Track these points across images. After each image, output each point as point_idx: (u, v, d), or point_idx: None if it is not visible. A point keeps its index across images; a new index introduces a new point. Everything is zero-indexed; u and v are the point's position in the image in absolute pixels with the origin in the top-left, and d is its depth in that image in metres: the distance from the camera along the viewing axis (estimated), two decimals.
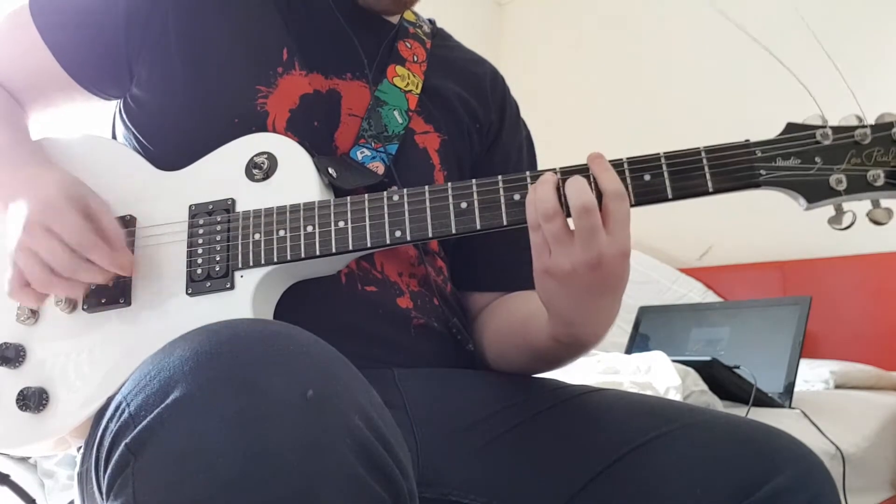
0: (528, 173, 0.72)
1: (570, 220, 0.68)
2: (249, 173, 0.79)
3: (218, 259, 0.76)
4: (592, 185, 0.69)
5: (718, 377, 1.60)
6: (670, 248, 3.05)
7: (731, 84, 2.91)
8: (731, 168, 0.69)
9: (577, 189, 0.67)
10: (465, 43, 1.06)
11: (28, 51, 0.86)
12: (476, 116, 0.97)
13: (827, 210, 0.70)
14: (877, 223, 0.68)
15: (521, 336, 0.84)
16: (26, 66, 0.88)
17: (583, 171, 0.71)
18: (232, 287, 0.75)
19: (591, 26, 3.48)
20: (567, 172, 0.71)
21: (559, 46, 3.57)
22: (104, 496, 0.51)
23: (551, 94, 3.33)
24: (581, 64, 3.46)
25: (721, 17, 2.98)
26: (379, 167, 0.85)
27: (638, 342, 2.33)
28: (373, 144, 0.85)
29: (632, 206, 0.70)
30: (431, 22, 1.03)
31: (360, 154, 0.85)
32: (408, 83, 0.91)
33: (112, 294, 0.77)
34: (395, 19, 0.95)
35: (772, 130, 0.71)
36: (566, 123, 3.22)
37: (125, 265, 0.75)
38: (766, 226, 2.68)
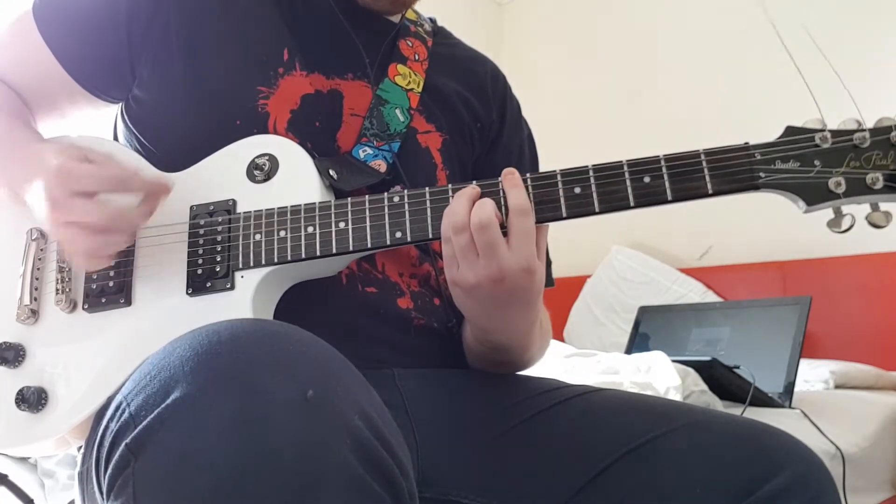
0: (528, 175, 0.72)
1: None
2: (250, 174, 0.79)
3: (218, 259, 0.76)
4: (502, 200, 0.71)
5: (718, 377, 1.61)
6: (670, 248, 3.05)
7: (731, 86, 2.91)
8: (731, 171, 0.69)
9: (478, 206, 0.69)
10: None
11: (32, 56, 0.86)
12: (477, 115, 0.97)
13: (826, 212, 0.70)
14: (875, 226, 0.68)
15: (466, 339, 0.86)
16: (31, 72, 0.87)
17: (583, 172, 0.71)
18: (232, 287, 0.75)
19: (590, 26, 3.48)
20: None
21: (559, 46, 3.57)
22: (104, 496, 0.51)
23: (551, 95, 3.34)
24: (581, 64, 3.46)
25: (720, 18, 2.98)
26: (381, 165, 0.85)
27: (638, 342, 2.33)
28: (375, 143, 0.86)
29: (631, 207, 0.70)
30: (432, 20, 1.03)
31: (363, 153, 0.85)
32: (409, 81, 0.91)
33: (112, 294, 0.77)
34: (395, 18, 0.95)
35: (771, 134, 0.71)
36: (566, 124, 3.22)
37: (163, 182, 0.75)
38: (766, 226, 2.68)
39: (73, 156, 0.73)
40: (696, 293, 2.79)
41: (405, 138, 0.88)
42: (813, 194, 0.68)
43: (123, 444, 0.49)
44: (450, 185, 0.73)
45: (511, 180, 0.71)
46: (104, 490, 0.51)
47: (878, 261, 2.51)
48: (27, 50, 0.86)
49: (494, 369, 0.87)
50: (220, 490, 0.45)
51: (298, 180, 0.78)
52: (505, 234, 0.70)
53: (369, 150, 0.85)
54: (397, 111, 0.88)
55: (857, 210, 0.69)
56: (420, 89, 0.92)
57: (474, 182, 0.73)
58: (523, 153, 1.02)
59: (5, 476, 1.38)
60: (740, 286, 2.79)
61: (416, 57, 0.94)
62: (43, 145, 0.78)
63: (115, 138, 0.92)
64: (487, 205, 0.69)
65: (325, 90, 0.86)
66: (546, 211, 0.71)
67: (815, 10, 2.67)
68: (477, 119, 0.97)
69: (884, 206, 0.69)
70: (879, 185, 0.67)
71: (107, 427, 0.52)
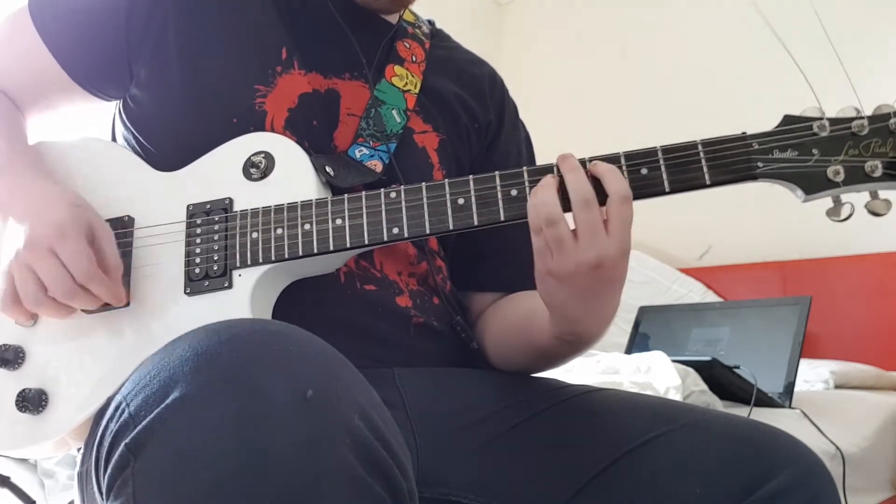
0: (525, 169, 0.72)
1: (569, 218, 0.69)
2: (247, 172, 0.79)
3: (216, 258, 0.76)
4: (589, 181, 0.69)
5: (718, 377, 1.60)
6: (670, 248, 3.05)
7: (728, 79, 2.91)
8: (728, 161, 0.69)
9: (577, 183, 0.68)
10: (464, 43, 1.06)
11: (28, 52, 0.86)
12: (474, 116, 0.97)
13: (825, 203, 0.69)
14: (875, 214, 0.68)
15: (525, 335, 0.84)
16: (26, 68, 0.87)
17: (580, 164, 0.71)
18: (230, 286, 0.75)
19: (590, 26, 3.48)
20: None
21: (559, 46, 3.58)
22: (104, 496, 0.51)
23: (551, 94, 3.34)
24: (580, 64, 3.47)
25: (719, 15, 2.98)
26: (377, 165, 0.85)
27: (638, 342, 2.33)
28: (371, 143, 0.86)
29: None
30: (430, 22, 1.03)
31: (359, 152, 0.85)
32: (406, 83, 0.91)
33: None
34: (393, 19, 0.95)
35: (769, 123, 0.70)
36: (566, 123, 3.22)
37: (120, 297, 0.75)
38: (767, 226, 2.68)
39: (78, 220, 0.73)
40: (696, 293, 2.79)
41: (402, 139, 0.88)
42: (811, 183, 0.68)
43: (123, 444, 0.49)
44: (446, 181, 0.73)
45: (610, 169, 0.69)
46: (104, 490, 0.51)
47: (878, 261, 2.51)
48: (23, 47, 0.86)
49: (545, 367, 0.86)
50: (220, 490, 0.45)
51: (295, 177, 0.78)
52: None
53: (366, 151, 0.85)
54: (394, 112, 0.88)
55: (857, 199, 0.68)
56: (417, 90, 0.91)
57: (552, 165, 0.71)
58: (521, 154, 1.02)
59: (7, 478, 1.38)
60: (740, 286, 2.79)
61: (414, 59, 0.94)
62: (54, 190, 0.77)
63: (113, 138, 0.92)
64: (586, 181, 0.68)
65: (323, 90, 0.86)
66: None
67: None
68: (475, 120, 0.97)
69: (883, 194, 0.68)
70: (878, 172, 0.67)
71: (106, 427, 0.53)
